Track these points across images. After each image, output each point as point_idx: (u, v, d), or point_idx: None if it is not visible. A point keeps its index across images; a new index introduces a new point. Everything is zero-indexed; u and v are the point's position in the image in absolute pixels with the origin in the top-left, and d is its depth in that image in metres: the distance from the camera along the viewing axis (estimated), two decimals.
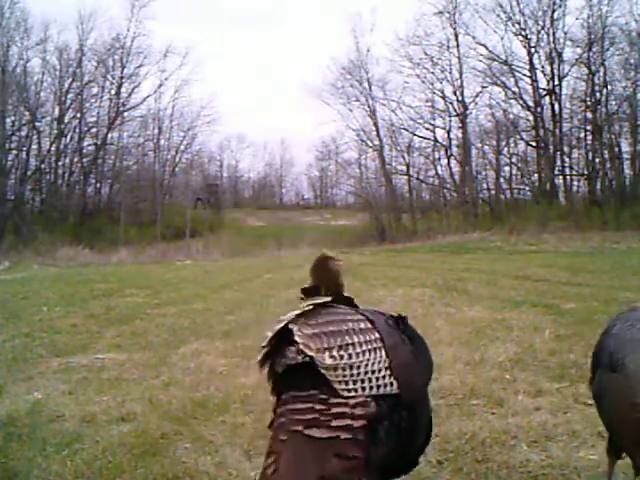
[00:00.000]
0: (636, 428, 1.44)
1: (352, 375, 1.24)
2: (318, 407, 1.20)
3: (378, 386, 1.26)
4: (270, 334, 1.29)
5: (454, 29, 29.17)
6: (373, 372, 1.26)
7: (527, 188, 29.63)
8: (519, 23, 27.64)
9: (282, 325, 1.28)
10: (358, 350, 1.27)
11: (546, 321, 4.89)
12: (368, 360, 1.27)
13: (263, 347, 1.29)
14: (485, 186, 30.96)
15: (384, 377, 1.28)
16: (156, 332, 5.13)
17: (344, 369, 1.23)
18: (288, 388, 1.27)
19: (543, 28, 27.01)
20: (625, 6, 25.87)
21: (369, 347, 1.29)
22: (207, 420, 2.82)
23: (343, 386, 1.23)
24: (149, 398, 3.16)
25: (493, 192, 30.12)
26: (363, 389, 1.24)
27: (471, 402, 2.95)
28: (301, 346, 1.23)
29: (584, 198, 27.24)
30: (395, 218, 30.82)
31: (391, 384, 1.29)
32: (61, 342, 4.78)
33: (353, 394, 1.22)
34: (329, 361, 1.22)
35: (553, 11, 26.56)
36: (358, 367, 1.25)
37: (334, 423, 1.18)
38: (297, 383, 1.25)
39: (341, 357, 1.24)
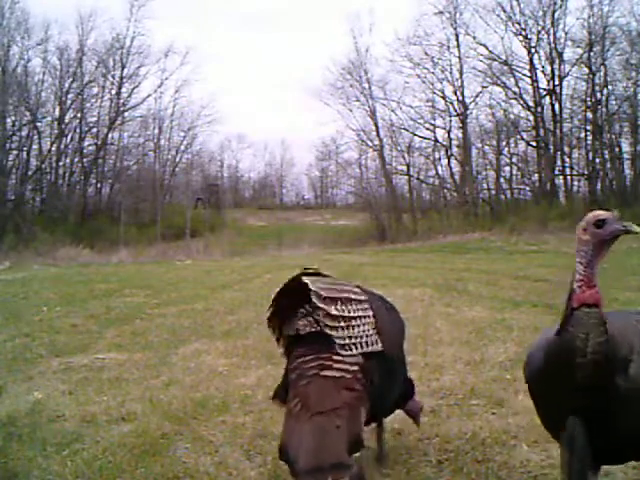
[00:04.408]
0: None
1: (350, 337, 1.57)
2: (324, 358, 1.56)
3: (367, 344, 1.61)
4: (278, 289, 1.61)
5: (454, 29, 29.16)
6: (364, 332, 1.60)
7: (527, 188, 29.62)
8: (519, 23, 27.65)
9: (295, 280, 1.60)
10: (355, 307, 1.60)
11: (546, 321, 4.87)
12: (361, 320, 1.61)
13: (272, 303, 1.64)
14: (485, 186, 30.94)
15: (372, 336, 1.63)
16: (156, 332, 5.13)
17: (344, 329, 1.56)
18: (299, 348, 1.63)
19: (543, 28, 27.01)
20: (626, 6, 25.82)
21: (362, 307, 1.62)
22: (207, 420, 2.83)
23: (343, 344, 1.57)
24: (149, 398, 3.16)
25: (493, 192, 30.08)
26: (356, 347, 1.58)
27: (471, 402, 2.95)
28: (315, 293, 1.53)
29: (584, 198, 27.17)
30: (395, 218, 30.78)
31: (377, 342, 1.64)
32: (61, 342, 4.79)
33: (349, 353, 1.57)
34: (334, 312, 1.55)
35: (553, 11, 26.57)
36: (354, 328, 1.58)
37: (337, 366, 1.55)
38: (306, 344, 1.61)
39: (342, 310, 1.57)
